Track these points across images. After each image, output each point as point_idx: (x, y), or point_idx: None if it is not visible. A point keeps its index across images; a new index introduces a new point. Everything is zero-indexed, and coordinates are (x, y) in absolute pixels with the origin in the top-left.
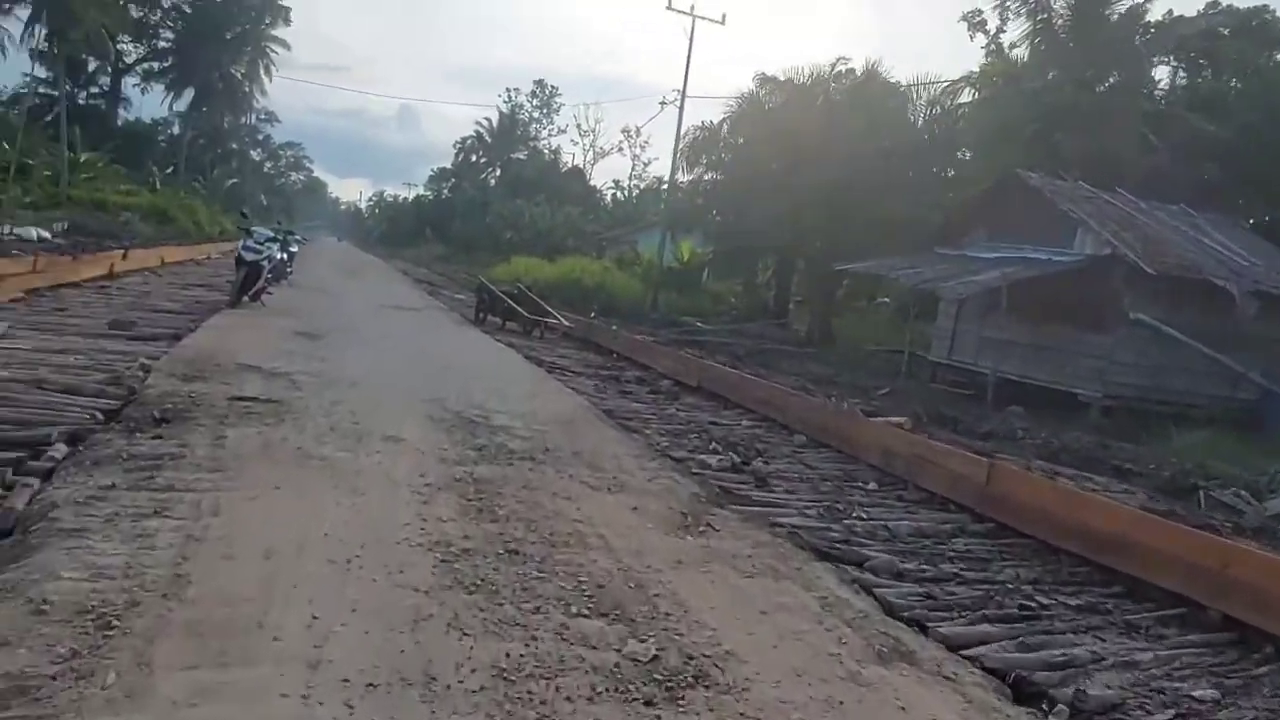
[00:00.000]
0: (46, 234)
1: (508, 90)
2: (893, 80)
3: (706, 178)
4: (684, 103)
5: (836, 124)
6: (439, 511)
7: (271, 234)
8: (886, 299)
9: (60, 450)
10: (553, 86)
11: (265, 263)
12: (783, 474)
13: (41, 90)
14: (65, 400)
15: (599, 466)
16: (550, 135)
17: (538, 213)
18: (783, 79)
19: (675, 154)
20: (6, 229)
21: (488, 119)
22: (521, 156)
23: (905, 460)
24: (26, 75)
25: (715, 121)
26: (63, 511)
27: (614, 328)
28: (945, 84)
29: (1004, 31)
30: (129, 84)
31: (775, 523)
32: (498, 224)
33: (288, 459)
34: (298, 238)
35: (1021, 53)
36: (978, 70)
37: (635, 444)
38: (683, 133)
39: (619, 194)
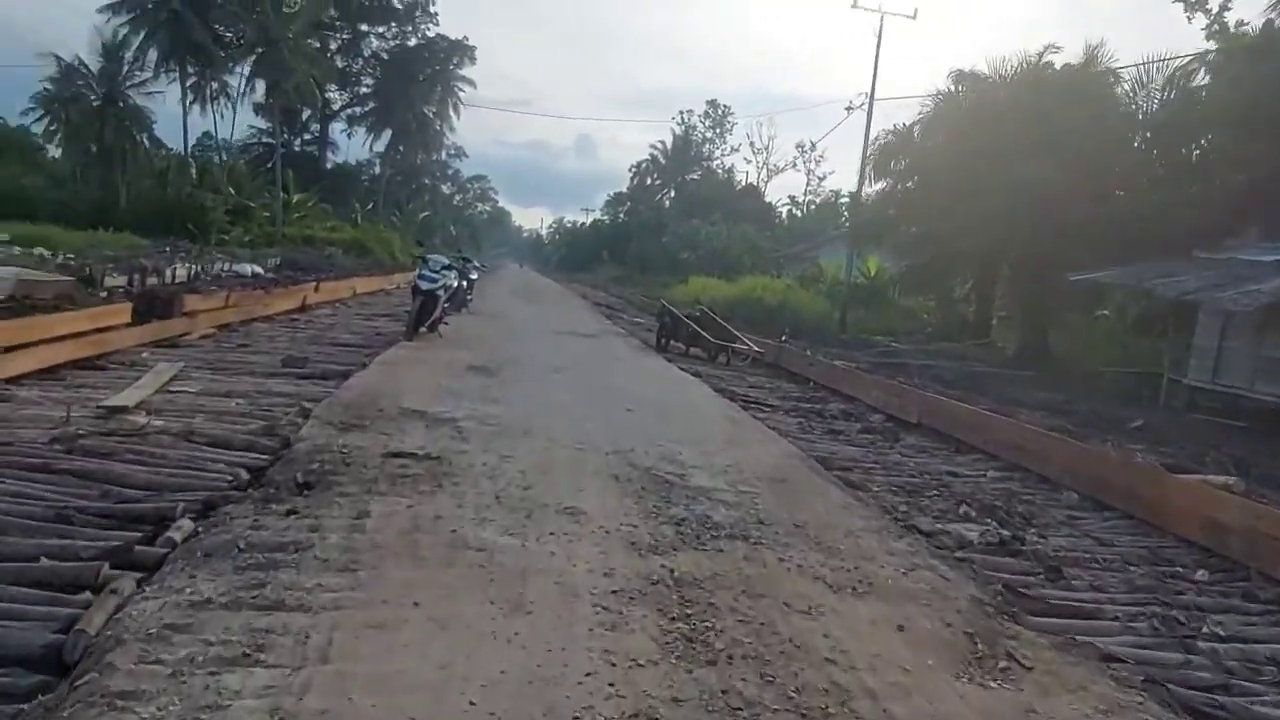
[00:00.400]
0: (260, 269)
1: (680, 113)
2: (1114, 64)
3: (897, 186)
4: (872, 106)
5: (1050, 116)
6: (632, 646)
7: (447, 262)
8: (1105, 311)
9: (183, 529)
10: (725, 106)
11: (441, 292)
12: (1072, 555)
13: (264, 140)
14: (212, 456)
15: (833, 548)
16: (723, 154)
17: (713, 232)
18: (984, 73)
19: (863, 161)
20: (226, 266)
21: (662, 141)
22: (695, 177)
23: (1244, 538)
24: (251, 128)
25: (906, 124)
26: (124, 653)
27: (808, 352)
28: (1179, 61)
29: (1229, 10)
30: (336, 129)
31: (1110, 656)
32: (674, 245)
33: (437, 551)
34: (476, 265)
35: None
36: (1210, 48)
37: (867, 509)
38: (871, 139)
39: (795, 210)
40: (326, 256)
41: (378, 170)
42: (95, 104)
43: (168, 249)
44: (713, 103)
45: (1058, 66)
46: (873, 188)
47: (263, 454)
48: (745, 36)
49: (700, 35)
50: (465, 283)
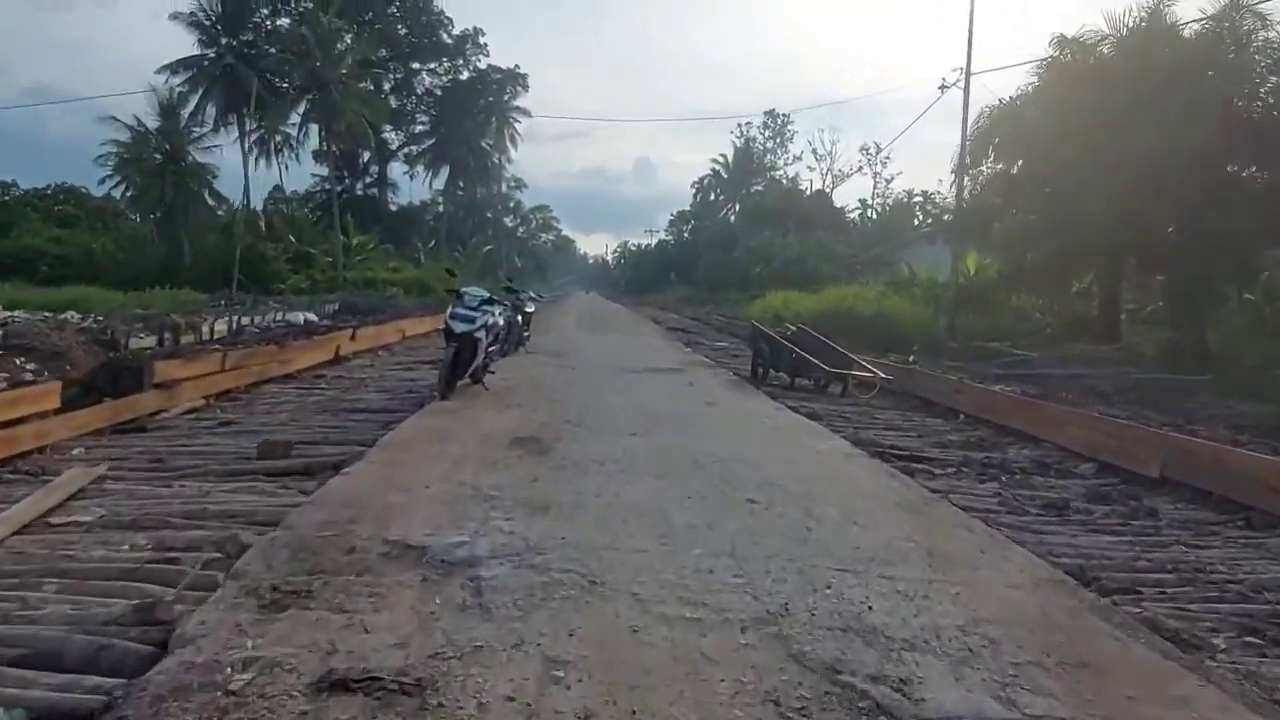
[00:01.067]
0: (313, 316)
1: (739, 125)
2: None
3: (1003, 170)
4: (969, 83)
5: (1192, 74)
6: None
7: (487, 295)
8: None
9: None
10: (784, 115)
11: (482, 333)
12: None
13: (326, 186)
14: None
15: None
16: (786, 164)
17: (786, 242)
18: (1094, 33)
19: (961, 146)
20: (280, 314)
21: (723, 155)
22: (759, 188)
23: None
24: (314, 175)
25: (1009, 99)
26: None
27: (950, 377)
28: None
29: None
30: (397, 170)
31: None
32: (746, 259)
33: None
34: (531, 295)
35: None
36: None
37: None
38: (972, 123)
39: (869, 213)
40: (388, 298)
41: (441, 208)
42: (157, 163)
43: (223, 302)
44: (771, 113)
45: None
46: (975, 177)
47: (91, 694)
48: (797, 51)
49: (752, 54)
50: (520, 317)
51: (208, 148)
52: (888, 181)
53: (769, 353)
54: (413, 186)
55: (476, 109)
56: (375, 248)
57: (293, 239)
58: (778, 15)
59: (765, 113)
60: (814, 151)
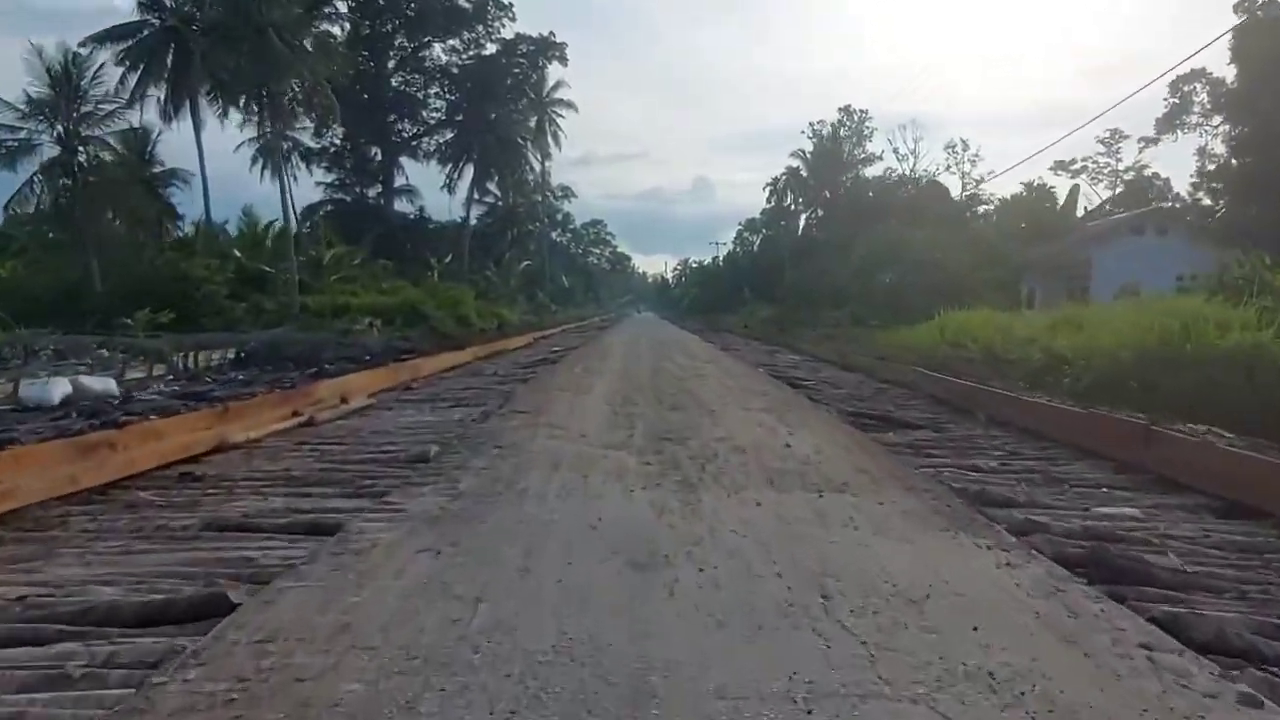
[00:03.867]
0: (112, 382)
1: (810, 125)
2: None
3: None
4: None
5: None
6: None
7: None
8: None
9: None
10: (862, 110)
11: None
12: None
13: (336, 195)
14: None
15: None
16: (865, 165)
17: (922, 238)
18: None
19: None
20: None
21: (802, 151)
22: (847, 186)
23: None
24: (319, 184)
25: None
26: None
27: None
28: None
29: None
30: (418, 173)
31: None
32: (868, 263)
33: None
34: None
35: None
36: None
37: None
38: None
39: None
40: (344, 334)
41: (465, 215)
42: (54, 157)
43: (23, 348)
44: (846, 109)
45: None
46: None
47: None
48: (852, 68)
49: (804, 74)
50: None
51: (126, 129)
52: (977, 182)
53: None
54: (446, 199)
55: (504, 90)
56: (362, 263)
57: (238, 254)
58: (831, 30)
59: (840, 109)
60: (895, 151)
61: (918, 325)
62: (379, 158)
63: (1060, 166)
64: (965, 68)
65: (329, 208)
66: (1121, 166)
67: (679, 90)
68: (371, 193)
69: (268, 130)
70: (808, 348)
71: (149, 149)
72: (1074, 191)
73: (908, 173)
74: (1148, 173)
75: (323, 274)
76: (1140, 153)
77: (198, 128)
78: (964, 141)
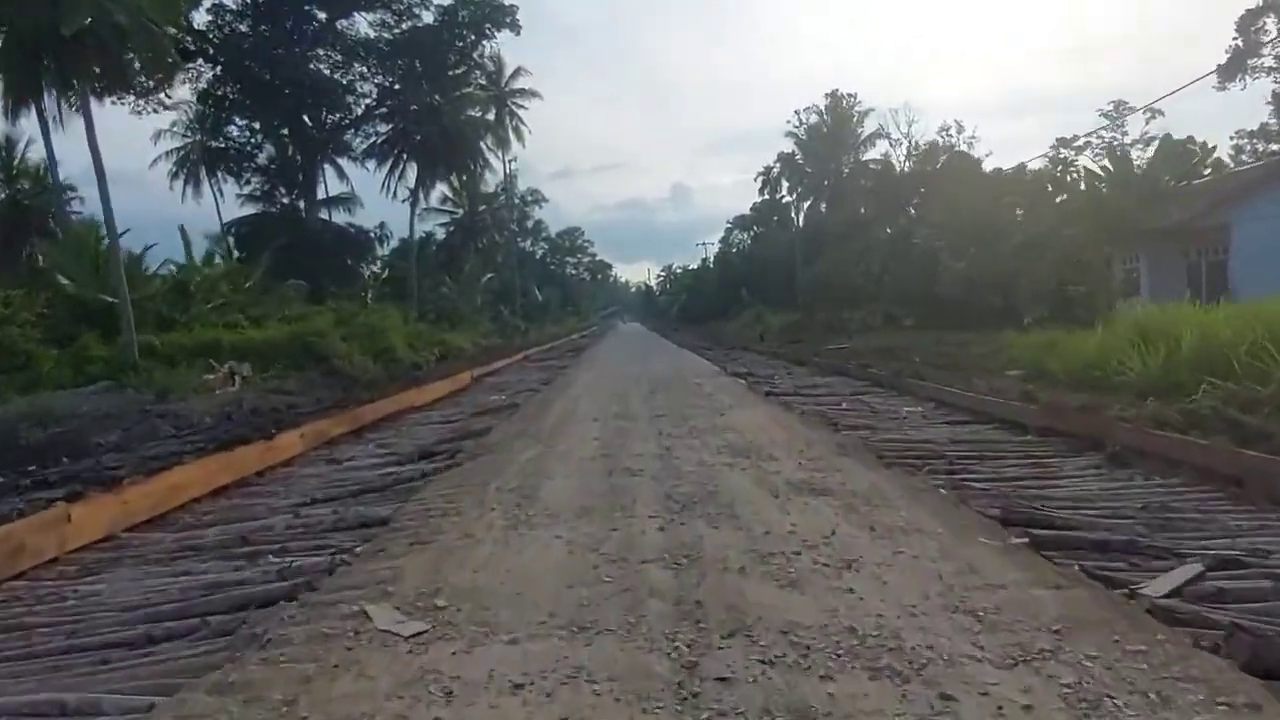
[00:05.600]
0: None
1: (796, 113)
2: None
3: None
4: None
5: None
6: None
7: None
8: None
9: None
10: (850, 94)
11: None
12: None
13: (269, 209)
14: None
15: None
16: (867, 147)
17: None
18: None
19: None
20: None
21: (795, 131)
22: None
23: None
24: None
25: None
26: None
27: None
28: None
29: None
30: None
31: None
32: (900, 250)
33: None
34: None
35: None
36: None
37: None
38: None
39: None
40: (159, 397)
41: (410, 222)
42: None
43: None
44: (833, 94)
45: None
46: None
47: None
48: (824, 60)
49: (779, 73)
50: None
51: None
52: (979, 161)
53: None
54: (403, 211)
55: (446, 67)
56: (265, 286)
57: (63, 280)
58: (803, 29)
59: (827, 95)
60: (887, 137)
61: (1071, 328)
62: (298, 158)
63: (1063, 144)
64: (940, 57)
65: (245, 225)
66: (1128, 140)
67: (654, 99)
68: (304, 203)
69: (73, 97)
70: (833, 359)
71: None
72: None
73: (904, 155)
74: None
75: (191, 302)
76: (1147, 123)
77: (89, 125)
78: (958, 123)
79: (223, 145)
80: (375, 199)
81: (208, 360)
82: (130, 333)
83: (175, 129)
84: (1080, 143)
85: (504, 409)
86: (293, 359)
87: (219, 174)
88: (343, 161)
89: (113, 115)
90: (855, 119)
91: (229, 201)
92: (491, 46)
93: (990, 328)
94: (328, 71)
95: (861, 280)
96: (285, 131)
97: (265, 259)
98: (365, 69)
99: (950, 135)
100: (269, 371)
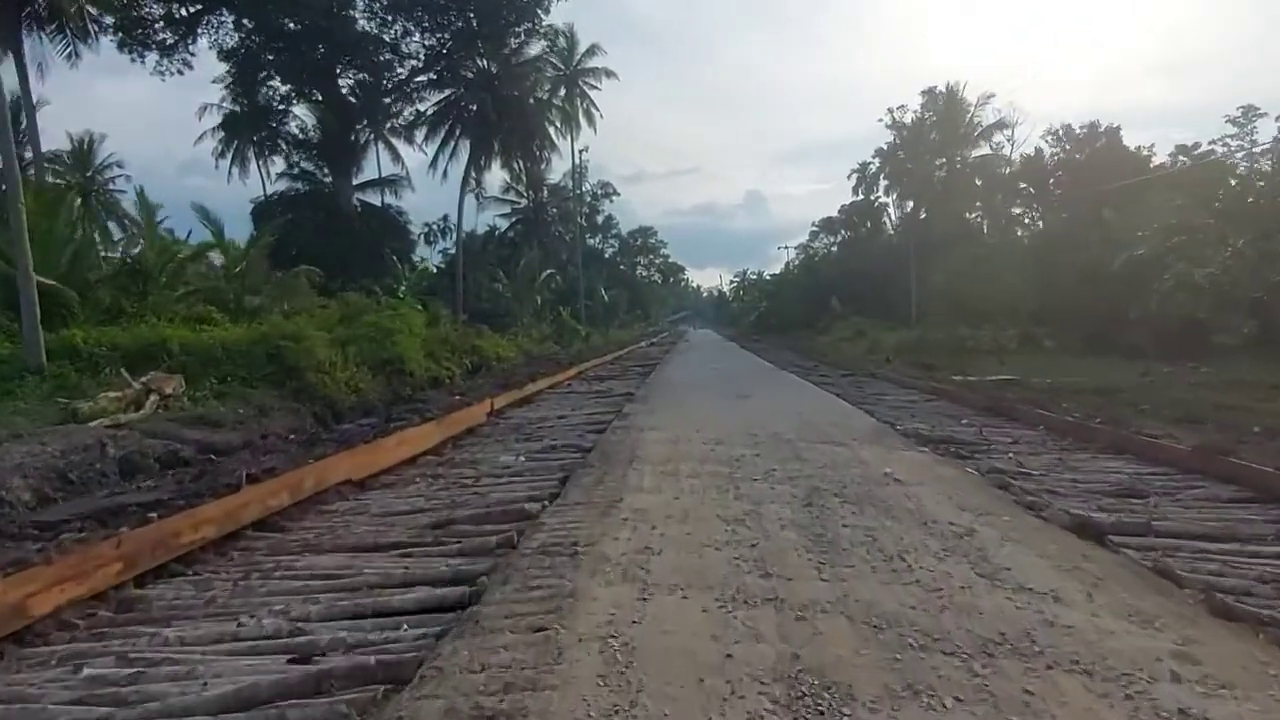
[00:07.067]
0: None
1: (889, 111)
2: None
3: None
4: None
5: None
6: None
7: None
8: None
9: None
10: (950, 85)
11: None
12: None
13: (301, 187)
14: None
15: None
16: (985, 139)
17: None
18: None
19: None
20: None
21: (900, 122)
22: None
23: None
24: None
25: None
26: None
27: None
28: None
29: None
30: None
31: None
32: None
33: None
34: None
35: None
36: None
37: None
38: None
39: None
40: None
41: (459, 206)
42: None
43: None
44: (929, 91)
45: None
46: None
47: None
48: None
49: (858, 79)
50: None
51: None
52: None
53: None
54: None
55: (504, 25)
56: (240, 272)
57: None
58: (881, 39)
59: (922, 92)
60: (1012, 127)
61: None
62: (337, 130)
63: (1182, 151)
64: (1021, 69)
65: (266, 204)
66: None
67: (730, 105)
68: (356, 181)
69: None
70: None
71: None
72: None
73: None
74: None
75: (148, 288)
76: None
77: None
78: (1067, 126)
79: (248, 110)
80: (437, 189)
81: (118, 370)
82: (35, 326)
83: (224, 104)
84: (1201, 150)
85: (480, 562)
86: (254, 369)
87: (254, 148)
88: (397, 143)
89: (173, 95)
90: (970, 110)
91: (275, 182)
92: (560, 20)
93: (1215, 358)
94: (366, 24)
95: (991, 291)
96: (319, 96)
97: (266, 240)
98: (409, 24)
99: (1059, 137)
100: (218, 385)
